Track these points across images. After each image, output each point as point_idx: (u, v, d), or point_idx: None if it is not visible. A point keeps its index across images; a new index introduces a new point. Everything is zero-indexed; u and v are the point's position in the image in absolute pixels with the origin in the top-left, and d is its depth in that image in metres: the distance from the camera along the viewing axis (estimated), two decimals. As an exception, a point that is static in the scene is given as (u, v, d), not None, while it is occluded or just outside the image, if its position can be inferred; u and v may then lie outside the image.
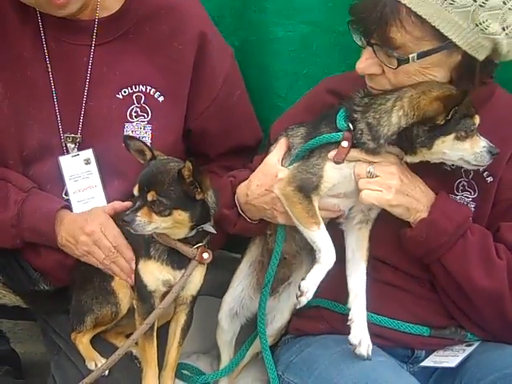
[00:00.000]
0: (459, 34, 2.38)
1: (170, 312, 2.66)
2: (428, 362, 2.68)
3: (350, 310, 2.57)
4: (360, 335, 2.55)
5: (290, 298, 2.82)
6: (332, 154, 2.53)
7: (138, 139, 2.54)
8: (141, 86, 2.76)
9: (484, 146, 2.47)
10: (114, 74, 2.75)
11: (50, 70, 2.74)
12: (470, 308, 2.61)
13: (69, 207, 2.73)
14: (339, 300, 2.69)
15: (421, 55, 2.41)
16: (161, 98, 2.78)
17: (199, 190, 2.45)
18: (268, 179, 2.61)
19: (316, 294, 2.72)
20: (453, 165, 2.58)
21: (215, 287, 3.07)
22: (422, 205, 2.53)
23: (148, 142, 2.76)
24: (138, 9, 2.77)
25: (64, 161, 2.76)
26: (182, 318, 2.63)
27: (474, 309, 2.61)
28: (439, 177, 2.59)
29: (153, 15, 2.78)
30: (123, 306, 2.61)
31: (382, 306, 2.65)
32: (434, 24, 2.36)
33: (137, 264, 2.58)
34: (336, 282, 2.66)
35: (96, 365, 2.56)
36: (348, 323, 2.56)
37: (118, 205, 2.66)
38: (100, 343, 2.64)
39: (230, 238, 2.88)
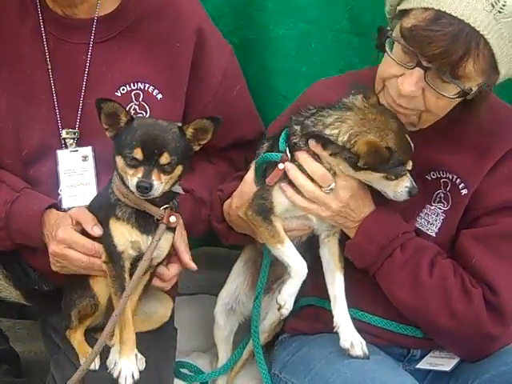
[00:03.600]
0: (508, 67, 2.40)
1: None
2: (423, 365, 2.70)
3: (333, 316, 2.59)
4: (350, 337, 2.57)
5: None
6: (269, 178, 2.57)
7: (114, 100, 2.44)
8: (139, 84, 2.76)
9: (406, 187, 2.50)
10: (112, 71, 2.74)
11: (49, 68, 2.73)
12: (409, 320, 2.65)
13: (56, 205, 2.69)
14: None
15: (480, 86, 2.39)
16: (159, 96, 2.77)
17: (200, 141, 2.46)
18: (244, 199, 2.64)
19: (312, 294, 2.75)
20: (433, 175, 2.63)
21: (215, 286, 3.07)
22: (356, 224, 2.56)
23: None
24: (136, 7, 2.77)
25: (62, 155, 2.75)
26: (146, 278, 2.58)
27: (412, 322, 2.64)
28: (420, 187, 2.58)
29: (150, 13, 2.78)
30: (101, 298, 2.57)
31: (377, 307, 2.67)
32: (497, 59, 2.36)
33: (106, 226, 2.52)
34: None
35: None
36: (334, 330, 2.58)
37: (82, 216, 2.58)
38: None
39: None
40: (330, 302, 2.69)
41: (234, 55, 2.94)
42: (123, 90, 2.76)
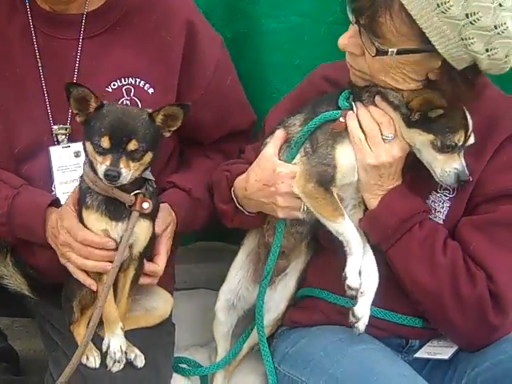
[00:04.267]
0: (443, 42, 2.37)
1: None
2: (422, 354, 2.70)
3: (361, 284, 2.54)
4: (364, 311, 2.55)
5: (285, 288, 2.83)
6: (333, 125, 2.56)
7: (84, 86, 2.43)
8: (130, 79, 2.75)
9: (455, 168, 2.48)
10: (102, 67, 2.74)
11: (39, 65, 2.73)
12: (414, 302, 2.63)
13: (58, 202, 2.69)
14: (334, 290, 2.70)
15: (400, 52, 2.42)
16: (150, 90, 2.77)
17: (170, 128, 2.47)
18: (266, 174, 2.61)
19: (311, 284, 2.75)
20: None
21: (212, 280, 3.08)
22: (380, 190, 2.56)
23: None
24: (125, 1, 2.76)
25: (54, 151, 2.74)
26: (131, 273, 2.58)
27: (417, 303, 2.62)
28: (426, 173, 2.59)
29: (140, 7, 2.77)
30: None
31: (376, 297, 2.63)
32: (421, 26, 2.35)
33: (80, 214, 2.53)
34: (330, 272, 2.68)
35: (88, 358, 2.54)
36: (358, 296, 2.54)
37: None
38: (99, 341, 2.60)
39: (227, 229, 2.87)
40: (328, 293, 2.70)
41: (224, 46, 2.94)
42: (114, 85, 2.75)
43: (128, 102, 2.75)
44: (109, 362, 2.53)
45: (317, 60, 2.97)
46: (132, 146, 2.37)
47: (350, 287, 2.52)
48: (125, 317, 2.58)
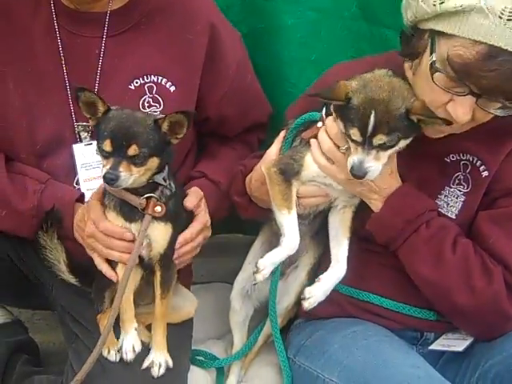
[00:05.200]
0: None
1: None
2: (436, 346, 2.72)
3: (265, 273, 2.59)
4: (315, 293, 2.61)
5: (296, 279, 2.87)
6: (305, 133, 2.58)
7: (91, 90, 2.47)
8: (152, 77, 2.77)
9: (353, 160, 2.43)
10: (125, 65, 2.76)
11: (62, 62, 2.75)
12: (427, 298, 2.65)
13: (83, 197, 2.73)
14: (349, 283, 2.73)
15: None
16: (172, 88, 2.79)
17: (177, 135, 2.46)
18: (261, 173, 2.65)
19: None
20: (453, 157, 2.62)
21: (228, 273, 3.10)
22: (377, 195, 2.55)
23: None
24: (149, 1, 2.78)
25: (77, 149, 2.78)
26: (158, 274, 2.61)
27: (430, 300, 2.64)
28: (439, 169, 2.62)
29: (162, 7, 2.79)
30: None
31: (389, 289, 2.69)
32: None
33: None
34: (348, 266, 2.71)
35: (109, 351, 2.59)
36: (316, 280, 2.60)
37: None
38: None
39: (245, 222, 2.92)
40: (344, 286, 2.72)
41: (243, 43, 2.99)
42: (136, 83, 2.77)
43: (150, 100, 2.78)
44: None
45: (333, 55, 2.99)
46: (132, 150, 2.39)
47: (256, 265, 2.57)
48: (163, 317, 2.63)
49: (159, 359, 2.60)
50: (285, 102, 2.94)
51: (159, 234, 2.55)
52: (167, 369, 2.61)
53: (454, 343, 2.69)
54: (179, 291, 2.82)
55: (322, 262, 2.81)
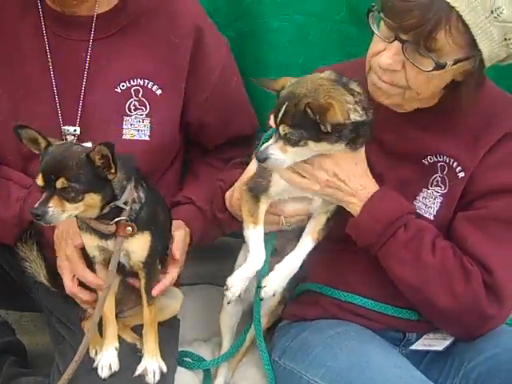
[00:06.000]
0: (489, 45, 2.39)
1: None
2: (417, 346, 2.74)
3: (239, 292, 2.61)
4: (270, 284, 2.62)
5: None
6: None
7: (30, 127, 2.39)
8: (139, 80, 2.78)
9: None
10: (111, 68, 2.77)
11: (50, 65, 2.76)
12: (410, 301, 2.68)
13: None
14: (333, 285, 2.76)
15: (456, 62, 2.41)
16: (158, 91, 2.80)
17: (113, 170, 2.36)
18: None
19: (310, 280, 2.79)
20: (430, 159, 2.64)
21: (215, 275, 3.11)
22: (356, 199, 2.57)
23: (147, 134, 2.79)
24: (135, 4, 2.79)
25: None
26: (142, 282, 2.60)
27: (411, 302, 2.67)
28: (417, 171, 2.64)
29: (149, 10, 2.80)
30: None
31: (372, 290, 2.71)
32: (474, 34, 2.35)
33: None
34: (329, 267, 2.75)
35: (96, 352, 2.61)
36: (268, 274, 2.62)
37: None
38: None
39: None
40: (327, 287, 2.75)
41: (229, 48, 2.98)
42: (123, 86, 2.78)
43: (136, 103, 2.78)
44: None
45: (321, 59, 2.99)
46: (60, 183, 2.31)
47: (226, 283, 2.59)
48: (153, 323, 2.63)
49: (153, 366, 2.60)
50: (269, 107, 2.84)
51: (137, 245, 2.54)
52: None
53: (435, 343, 2.71)
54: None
55: (306, 263, 2.83)
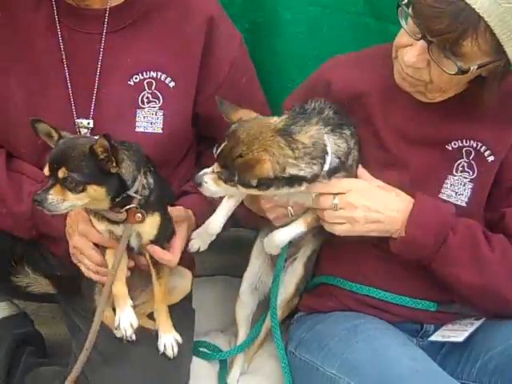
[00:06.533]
0: None
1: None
2: (436, 337, 2.72)
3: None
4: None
5: (294, 271, 2.88)
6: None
7: (44, 121, 2.46)
8: (151, 72, 2.77)
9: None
10: (125, 61, 2.77)
11: (63, 58, 2.76)
12: (473, 304, 2.67)
13: None
14: (349, 278, 2.75)
15: (480, 66, 2.40)
16: (171, 84, 2.79)
17: (114, 164, 2.38)
18: None
19: (325, 272, 2.80)
20: (455, 144, 2.62)
21: (229, 266, 3.13)
22: (398, 223, 2.56)
23: (160, 127, 2.79)
24: None
25: None
26: (149, 257, 2.63)
27: (476, 305, 2.67)
28: (441, 157, 2.62)
29: (162, 2, 2.79)
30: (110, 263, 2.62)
31: (388, 282, 2.70)
32: (501, 41, 2.35)
33: None
34: (343, 260, 2.75)
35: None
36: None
37: None
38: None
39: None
40: (341, 280, 2.75)
41: (243, 44, 2.94)
42: (136, 78, 2.78)
43: (149, 96, 2.78)
44: (120, 338, 2.61)
45: (336, 51, 2.95)
46: (61, 173, 2.36)
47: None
48: (164, 297, 2.66)
49: (169, 340, 2.64)
50: (283, 98, 2.91)
51: (148, 226, 2.57)
52: (171, 359, 2.64)
53: (454, 334, 2.68)
54: (171, 270, 2.79)
55: (322, 255, 2.86)
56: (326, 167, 2.48)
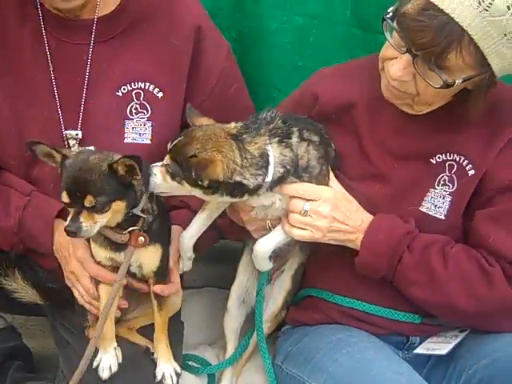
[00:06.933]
0: (500, 63, 2.39)
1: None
2: (420, 350, 2.72)
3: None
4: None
5: (282, 284, 2.88)
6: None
7: (42, 143, 2.44)
8: (140, 83, 2.77)
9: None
10: (113, 71, 2.76)
11: (51, 69, 2.75)
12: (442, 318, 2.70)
13: (65, 211, 2.69)
14: (333, 290, 2.75)
15: (465, 80, 2.41)
16: (160, 94, 2.79)
17: (136, 176, 2.38)
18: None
19: (312, 285, 2.80)
20: (439, 158, 2.63)
21: (218, 278, 3.11)
22: (356, 234, 2.59)
23: (148, 137, 2.78)
24: (136, 6, 2.78)
25: None
26: (152, 287, 2.63)
27: (439, 316, 2.69)
28: (424, 171, 2.63)
29: (150, 12, 2.79)
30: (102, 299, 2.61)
31: (374, 295, 2.70)
32: (486, 55, 2.36)
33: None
34: (330, 273, 2.74)
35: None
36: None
37: None
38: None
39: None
40: (327, 293, 2.75)
41: (231, 54, 2.94)
42: (124, 89, 2.77)
43: (138, 107, 2.77)
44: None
45: (321, 61, 2.97)
46: (88, 202, 2.34)
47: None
48: (164, 328, 2.66)
49: (169, 370, 2.64)
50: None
51: (149, 257, 2.57)
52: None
53: (438, 346, 2.69)
54: None
55: (308, 268, 2.85)
56: (269, 179, 2.48)
